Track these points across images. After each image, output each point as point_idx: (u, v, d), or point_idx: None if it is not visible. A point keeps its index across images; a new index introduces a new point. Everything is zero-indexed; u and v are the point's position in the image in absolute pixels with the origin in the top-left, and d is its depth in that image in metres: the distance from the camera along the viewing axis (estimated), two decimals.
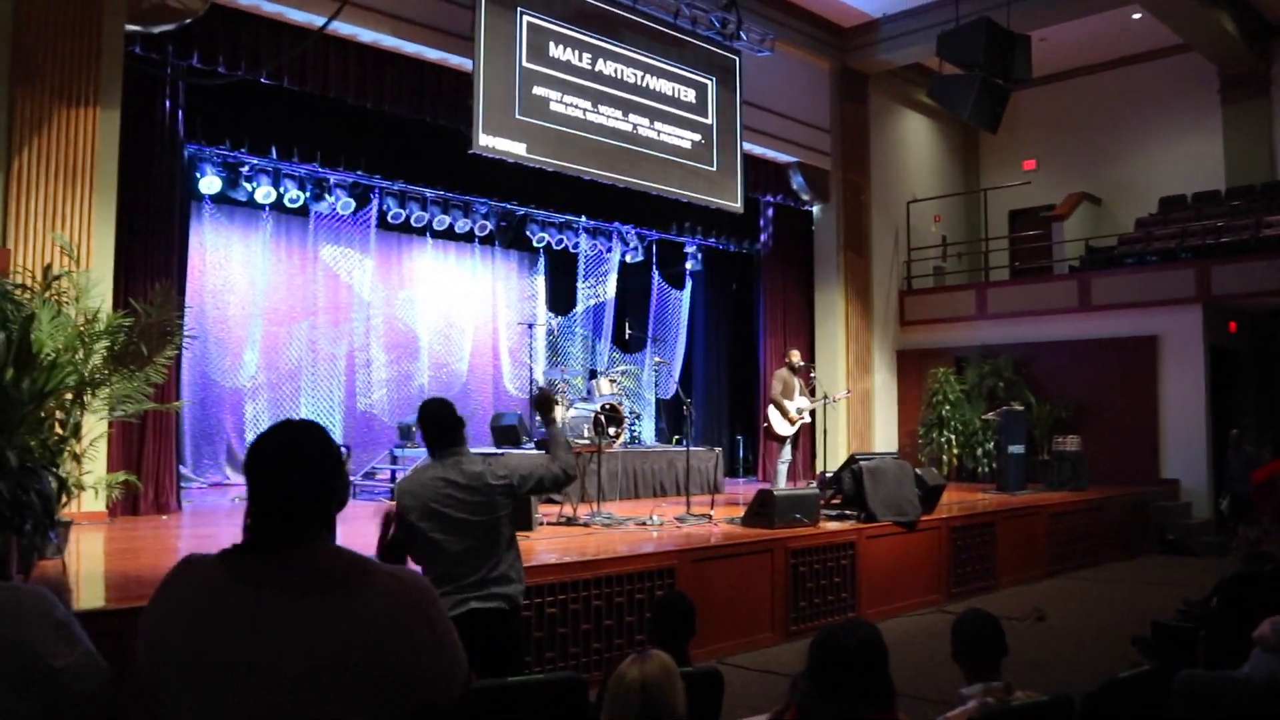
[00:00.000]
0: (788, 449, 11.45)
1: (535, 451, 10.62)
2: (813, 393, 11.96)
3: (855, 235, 16.19)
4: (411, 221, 13.08)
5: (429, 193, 12.95)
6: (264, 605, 1.83)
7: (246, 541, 1.93)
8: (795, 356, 11.65)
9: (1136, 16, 15.63)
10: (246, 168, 11.57)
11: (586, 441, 10.36)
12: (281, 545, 1.90)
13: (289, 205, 12.19)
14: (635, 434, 14.47)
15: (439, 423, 4.26)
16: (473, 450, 4.43)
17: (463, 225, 13.47)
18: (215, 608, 1.84)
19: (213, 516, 9.46)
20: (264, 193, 11.82)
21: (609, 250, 15.15)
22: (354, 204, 12.55)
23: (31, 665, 2.21)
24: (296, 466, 1.95)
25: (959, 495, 12.51)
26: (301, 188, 12.08)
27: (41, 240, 7.98)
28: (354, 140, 11.32)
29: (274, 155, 10.97)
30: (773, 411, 11.32)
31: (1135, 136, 17.67)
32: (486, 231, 13.85)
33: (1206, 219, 15.33)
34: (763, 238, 15.70)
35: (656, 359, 14.83)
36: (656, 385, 15.51)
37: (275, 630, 1.81)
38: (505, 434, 11.68)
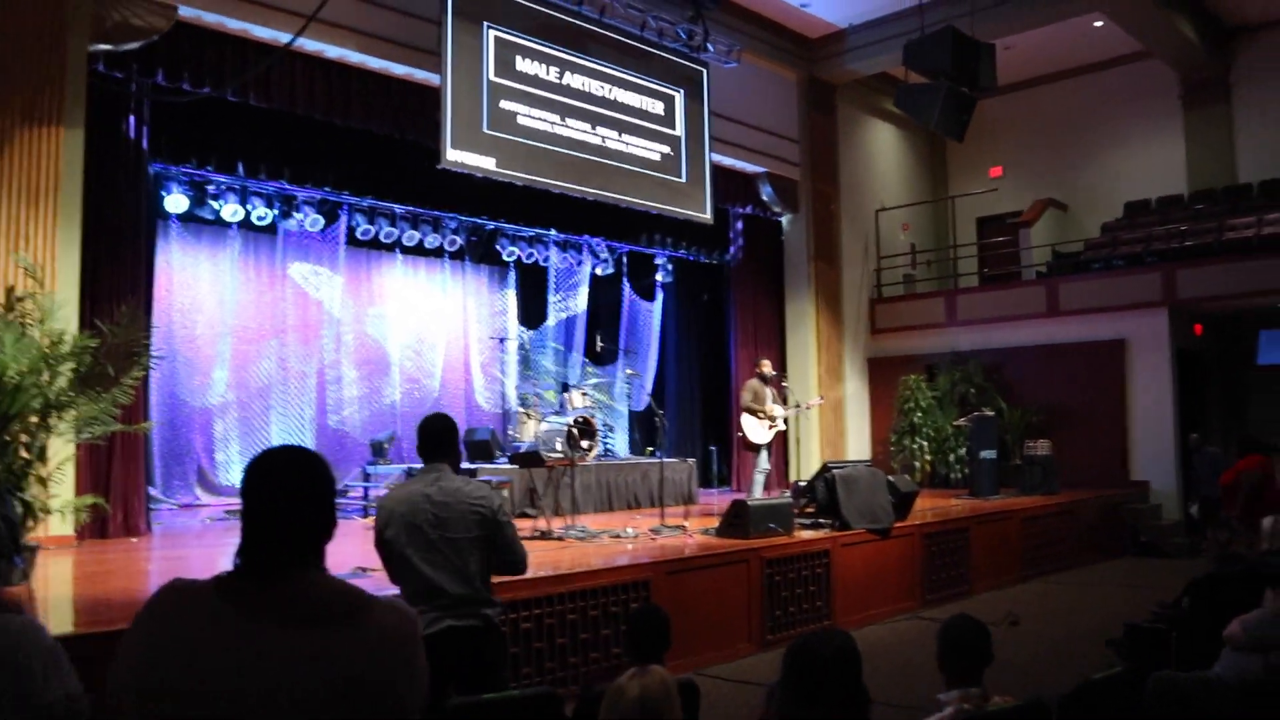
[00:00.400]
0: (764, 457, 11.46)
1: (510, 467, 10.60)
2: (785, 402, 12.00)
3: (825, 244, 16.22)
4: (381, 237, 13.00)
5: (398, 208, 12.87)
6: (266, 637, 1.80)
7: (241, 568, 1.90)
8: (766, 366, 11.66)
9: (1098, 24, 15.81)
10: (213, 186, 11.47)
11: (560, 455, 10.33)
12: (279, 574, 1.88)
13: (257, 223, 12.10)
14: (608, 446, 14.54)
15: (427, 437, 4.25)
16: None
17: (432, 240, 13.40)
18: (213, 637, 1.80)
19: (183, 538, 9.35)
20: (231, 210, 11.72)
21: (579, 263, 15.09)
22: (323, 221, 12.46)
23: (23, 697, 2.19)
24: (300, 493, 1.93)
25: (932, 501, 12.54)
26: (269, 205, 11.99)
27: (4, 262, 7.88)
28: (322, 156, 11.23)
29: (241, 172, 10.89)
30: (746, 419, 11.32)
31: (1100, 142, 17.78)
32: (456, 246, 13.78)
33: (1171, 223, 15.45)
34: (732, 249, 15.72)
35: (628, 371, 14.80)
36: (629, 397, 15.42)
37: (279, 663, 1.79)
38: (478, 449, 11.63)
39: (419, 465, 4.39)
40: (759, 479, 11.49)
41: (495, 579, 4.26)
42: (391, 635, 1.89)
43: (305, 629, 1.83)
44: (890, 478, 10.04)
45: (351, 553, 7.12)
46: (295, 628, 1.83)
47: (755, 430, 11.32)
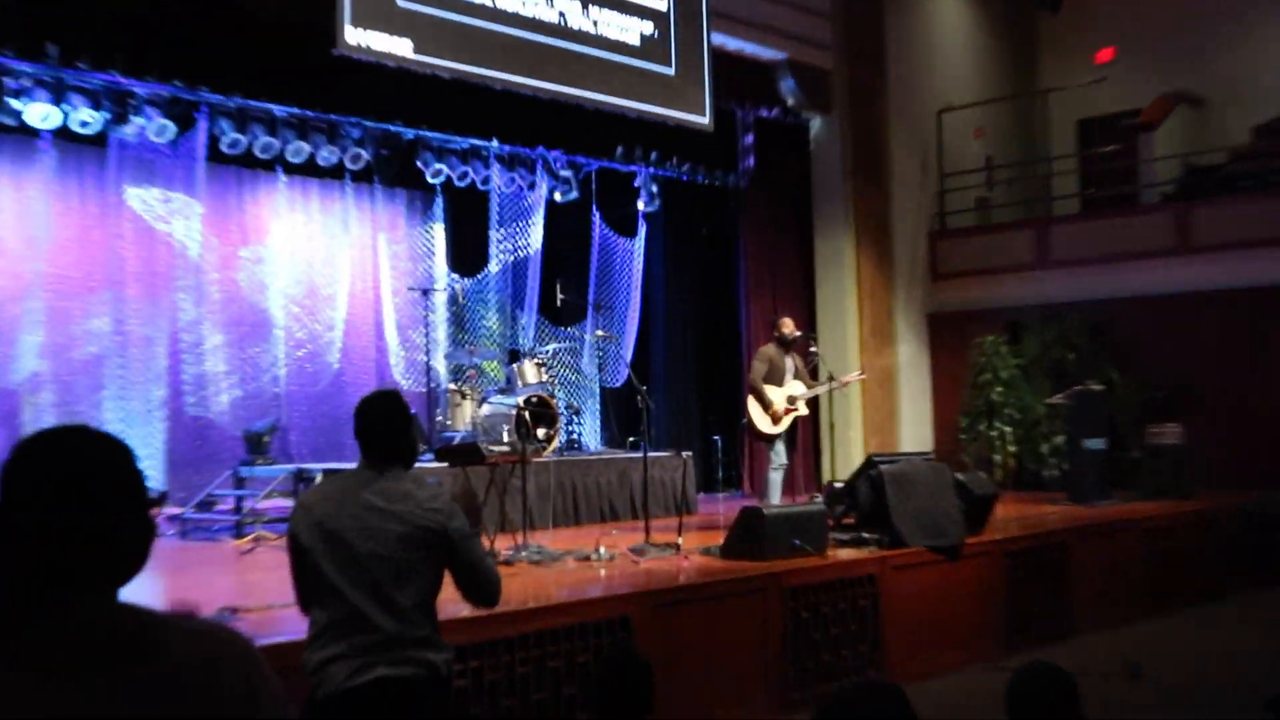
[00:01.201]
0: (781, 449, 11.67)
1: (437, 465, 10.77)
2: (814, 375, 12.14)
3: (868, 158, 16.20)
4: (256, 151, 12.86)
5: (278, 110, 12.74)
6: (23, 691, 1.81)
7: None
8: (787, 326, 11.87)
9: None
10: (13, 78, 11.17)
11: (506, 448, 10.40)
12: (45, 607, 1.89)
13: (79, 131, 11.83)
14: (574, 436, 14.59)
15: (371, 424, 4.37)
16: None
17: (328, 156, 13.29)
18: None
19: None
20: (40, 113, 11.38)
21: (532, 186, 14.99)
22: (173, 128, 12.19)
23: None
24: (66, 498, 1.93)
25: (1018, 508, 12.72)
26: (96, 106, 11.70)
27: None
28: (170, 39, 11.04)
29: (54, 59, 10.70)
30: (752, 403, 11.59)
31: (1248, 13, 17.65)
32: (361, 164, 13.71)
33: None
34: (742, 166, 15.72)
35: (600, 333, 14.71)
36: (602, 369, 15.49)
37: None
38: None
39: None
40: (775, 479, 11.72)
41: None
42: (201, 669, 1.92)
43: (78, 677, 1.83)
44: (960, 476, 10.18)
45: (221, 588, 7.17)
46: (63, 677, 1.83)
47: (762, 417, 11.62)
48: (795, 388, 11.68)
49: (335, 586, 4.12)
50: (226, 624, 2.09)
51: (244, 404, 13.57)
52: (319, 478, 10.15)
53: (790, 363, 11.70)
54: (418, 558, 4.19)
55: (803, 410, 11.82)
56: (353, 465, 4.40)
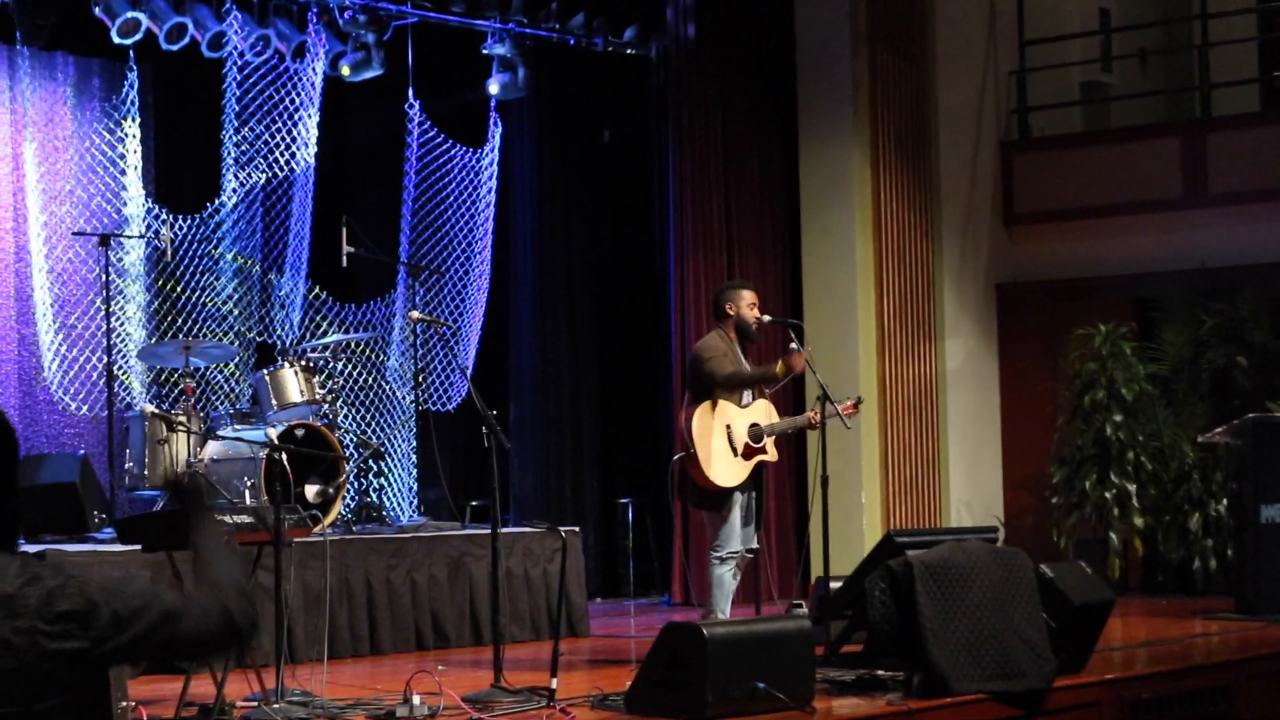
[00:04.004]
0: (735, 522, 9.86)
1: (120, 547, 9.84)
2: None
3: (898, 10, 14.09)
4: None
5: None
6: None
7: None
8: (746, 300, 10.13)
9: None
10: None
11: (248, 520, 8.85)
12: None
13: None
14: (371, 499, 12.60)
15: None
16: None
17: None
18: None
19: None
20: None
21: (299, 53, 12.80)
22: None
23: None
24: None
25: (1147, 626, 11.78)
26: None
27: None
28: None
29: None
30: (697, 428, 9.87)
31: None
32: None
33: None
34: (670, 14, 13.75)
35: (419, 315, 11.72)
36: (422, 381, 13.21)
37: None
38: (50, 502, 10.95)
39: None
40: (724, 575, 9.97)
41: None
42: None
43: None
44: (1047, 570, 8.96)
45: None
46: None
47: (721, 460, 9.97)
48: (758, 412, 9.92)
49: None
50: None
51: None
52: None
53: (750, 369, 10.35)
54: (35, 709, 3.27)
55: (772, 454, 10.02)
56: None
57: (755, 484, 9.95)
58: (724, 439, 9.79)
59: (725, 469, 9.78)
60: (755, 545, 10.03)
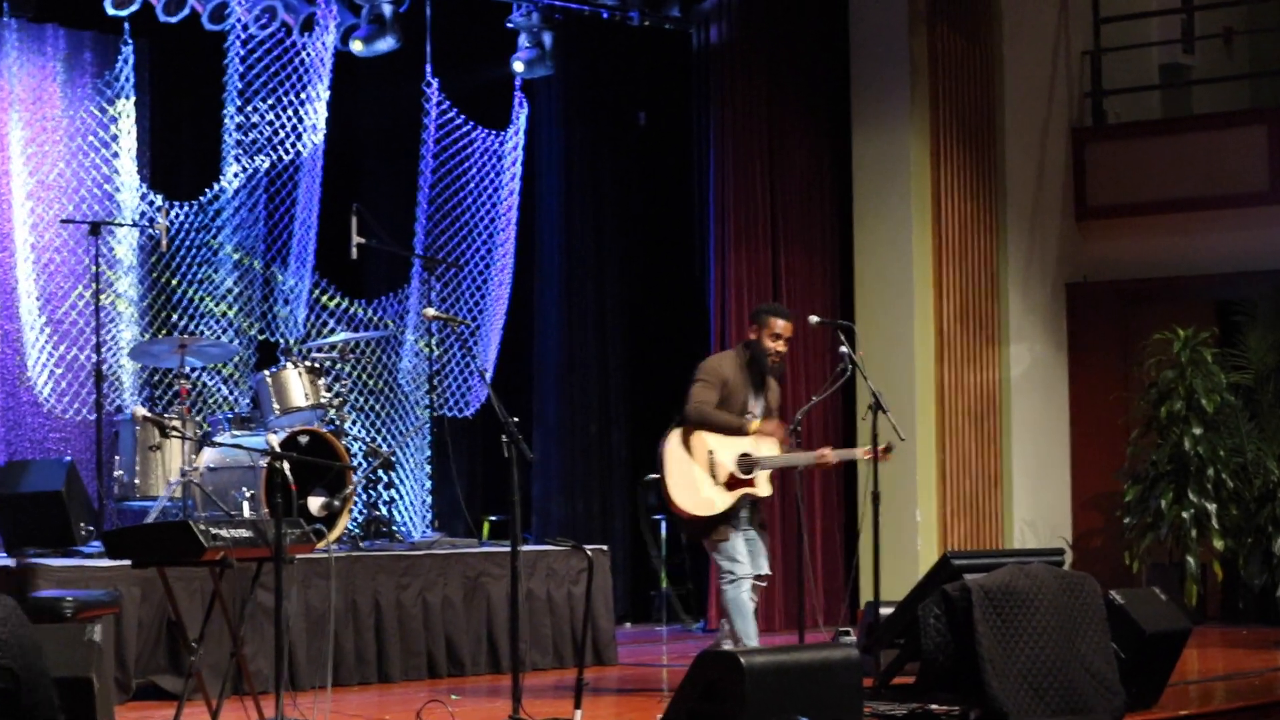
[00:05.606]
0: (738, 544, 9.59)
1: (106, 564, 9.75)
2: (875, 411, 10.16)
3: None
4: None
5: None
6: None
7: None
8: (778, 325, 9.77)
9: None
10: None
11: (247, 534, 8.43)
12: None
13: None
14: (382, 510, 12.64)
15: None
16: None
17: None
18: None
19: None
20: None
21: (307, 26, 12.60)
22: None
23: None
24: None
25: (1227, 658, 11.90)
26: None
27: None
28: None
29: None
30: (672, 453, 9.63)
31: None
32: None
33: None
34: None
35: (434, 313, 10.94)
36: (437, 385, 12.92)
37: None
38: (33, 513, 10.58)
39: None
40: (740, 597, 9.72)
41: None
42: None
43: None
44: (1118, 597, 8.88)
45: None
46: None
47: (690, 488, 9.74)
48: (757, 440, 9.65)
49: None
50: None
51: None
52: None
53: (759, 398, 9.67)
54: None
55: (763, 489, 9.63)
56: None
57: (751, 518, 9.59)
58: (704, 466, 9.52)
59: (693, 498, 9.52)
60: (766, 570, 9.70)
